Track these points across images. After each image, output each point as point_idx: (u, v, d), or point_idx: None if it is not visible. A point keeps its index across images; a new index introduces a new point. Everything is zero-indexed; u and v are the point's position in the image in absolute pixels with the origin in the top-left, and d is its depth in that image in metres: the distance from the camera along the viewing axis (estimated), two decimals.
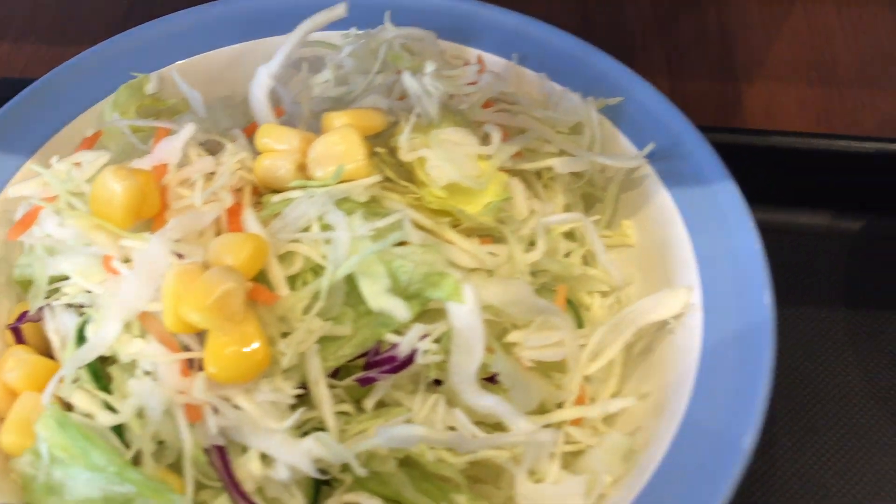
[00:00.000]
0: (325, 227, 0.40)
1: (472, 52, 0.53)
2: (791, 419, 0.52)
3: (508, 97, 0.49)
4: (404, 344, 0.38)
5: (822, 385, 0.53)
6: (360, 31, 0.51)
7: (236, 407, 0.37)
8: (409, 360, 0.38)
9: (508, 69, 0.52)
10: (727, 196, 0.46)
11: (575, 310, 0.47)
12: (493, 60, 0.53)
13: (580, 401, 0.43)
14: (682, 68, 0.69)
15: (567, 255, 0.48)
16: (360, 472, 0.36)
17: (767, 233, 0.57)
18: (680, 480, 0.38)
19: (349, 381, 0.39)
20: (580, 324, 0.46)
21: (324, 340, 0.39)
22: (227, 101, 0.49)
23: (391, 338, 0.39)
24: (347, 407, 0.40)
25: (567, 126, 0.50)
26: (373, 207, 0.41)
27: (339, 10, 0.45)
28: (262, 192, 0.43)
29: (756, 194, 0.57)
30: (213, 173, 0.42)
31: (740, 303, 0.43)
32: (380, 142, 0.44)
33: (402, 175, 0.43)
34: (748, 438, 0.38)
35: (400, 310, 0.38)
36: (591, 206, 0.51)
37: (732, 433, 0.38)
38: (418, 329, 0.38)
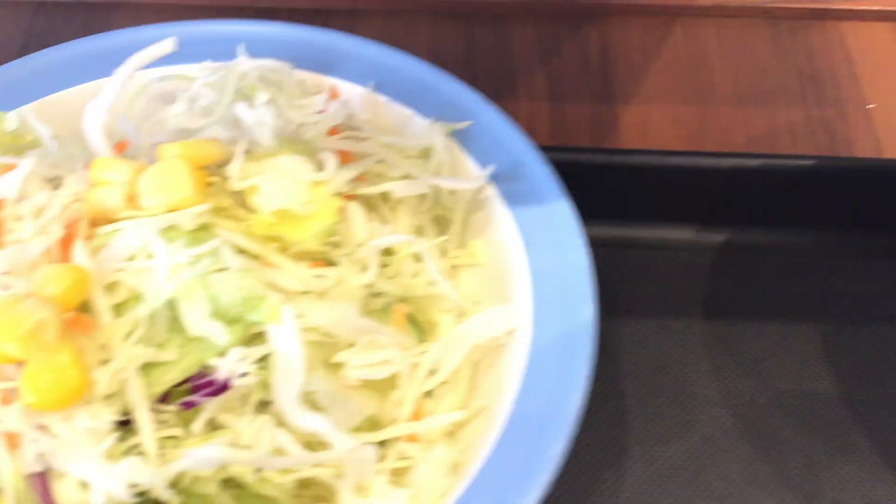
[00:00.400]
0: (150, 256, 0.41)
1: (331, 82, 0.55)
2: (644, 428, 0.53)
3: (355, 124, 0.50)
4: (223, 368, 0.40)
5: (677, 394, 0.54)
6: (216, 64, 0.53)
7: (54, 434, 0.38)
8: (227, 383, 0.39)
9: (365, 97, 0.54)
10: (561, 214, 0.48)
11: (420, 328, 0.48)
12: (351, 89, 0.55)
13: (416, 416, 0.45)
14: (563, 92, 0.71)
15: (416, 275, 0.50)
16: (167, 495, 0.37)
17: (629, 248, 0.60)
18: (490, 491, 0.39)
19: (175, 405, 0.40)
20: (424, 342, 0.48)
21: (149, 366, 0.40)
22: (81, 135, 0.51)
23: (214, 362, 0.40)
24: (177, 431, 0.41)
25: (416, 150, 0.52)
26: (199, 235, 0.42)
27: (167, 46, 0.46)
28: (99, 223, 0.44)
29: (617, 211, 0.60)
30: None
31: (564, 317, 0.44)
32: (219, 171, 0.46)
33: (239, 203, 0.45)
34: (557, 447, 0.39)
35: (218, 334, 0.40)
36: (446, 227, 0.53)
37: (543, 443, 0.40)
38: (236, 353, 0.40)
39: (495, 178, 0.50)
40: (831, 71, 0.73)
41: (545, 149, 0.57)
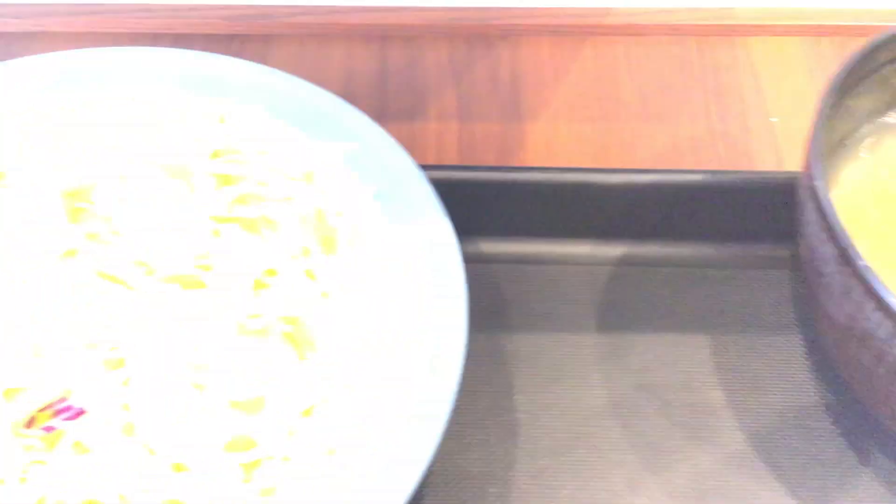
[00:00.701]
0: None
1: (217, 105, 0.56)
2: (534, 442, 0.54)
3: (237, 147, 0.51)
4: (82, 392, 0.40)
5: (568, 407, 0.55)
6: None
7: None
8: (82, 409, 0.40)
9: (250, 120, 0.55)
10: (440, 233, 0.49)
11: (301, 347, 0.49)
12: (237, 111, 0.55)
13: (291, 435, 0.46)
14: (472, 111, 0.72)
15: (299, 295, 0.50)
16: None
17: (530, 264, 0.61)
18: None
19: (38, 429, 0.41)
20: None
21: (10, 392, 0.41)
22: None
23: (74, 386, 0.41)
24: (42, 455, 0.41)
25: (300, 172, 0.53)
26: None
27: None
28: None
29: (519, 227, 0.61)
30: None
31: (436, 337, 0.45)
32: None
33: (109, 227, 0.46)
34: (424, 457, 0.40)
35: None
36: (331, 247, 0.53)
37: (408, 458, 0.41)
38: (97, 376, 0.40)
39: (378, 198, 0.52)
40: (736, 85, 0.74)
41: (448, 167, 0.58)
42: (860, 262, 0.42)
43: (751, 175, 0.63)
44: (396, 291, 0.48)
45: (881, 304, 0.42)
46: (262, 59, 0.69)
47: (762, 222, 0.62)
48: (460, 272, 0.47)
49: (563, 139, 0.71)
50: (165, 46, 0.62)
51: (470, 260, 0.60)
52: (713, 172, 0.62)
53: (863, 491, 0.52)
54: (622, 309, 0.59)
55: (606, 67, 0.76)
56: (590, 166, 0.68)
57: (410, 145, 0.68)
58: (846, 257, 0.43)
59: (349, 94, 0.72)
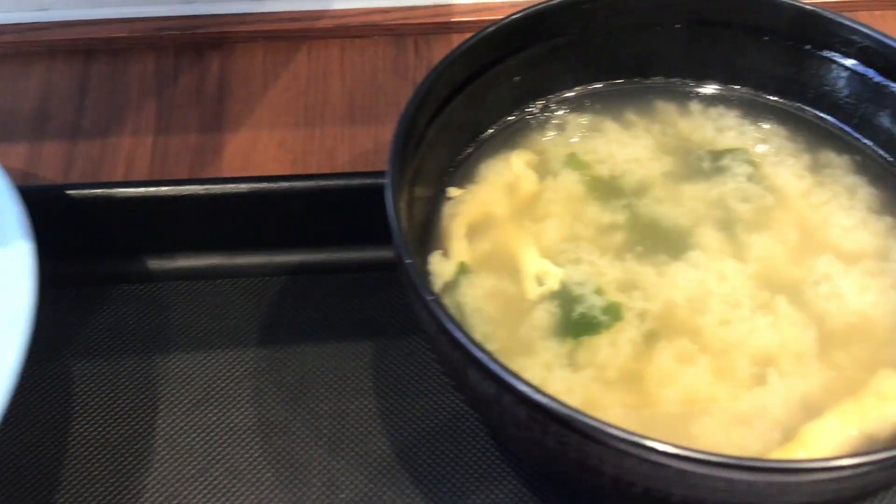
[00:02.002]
0: None
1: None
2: (167, 469, 0.51)
3: None
4: None
5: (214, 428, 0.53)
6: None
7: None
8: None
9: None
10: (19, 254, 0.47)
11: None
12: None
13: None
14: (171, 124, 0.70)
15: None
16: None
17: (197, 279, 0.59)
18: None
19: None
20: None
21: None
22: None
23: None
24: None
25: None
26: None
27: None
28: None
29: (181, 242, 0.59)
30: None
31: None
32: None
33: None
34: None
35: None
36: None
37: None
38: None
39: None
40: None
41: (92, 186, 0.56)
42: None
43: None
44: None
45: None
46: None
47: None
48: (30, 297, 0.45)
49: (262, 147, 0.69)
50: None
51: (133, 280, 0.59)
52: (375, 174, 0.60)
53: (502, 493, 0.51)
54: (288, 320, 0.57)
55: (320, 71, 0.74)
56: (288, 173, 0.67)
57: (100, 162, 0.67)
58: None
59: (43, 112, 0.70)
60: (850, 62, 0.52)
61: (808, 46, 0.53)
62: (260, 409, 0.53)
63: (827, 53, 0.53)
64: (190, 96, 0.72)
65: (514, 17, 0.51)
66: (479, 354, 0.38)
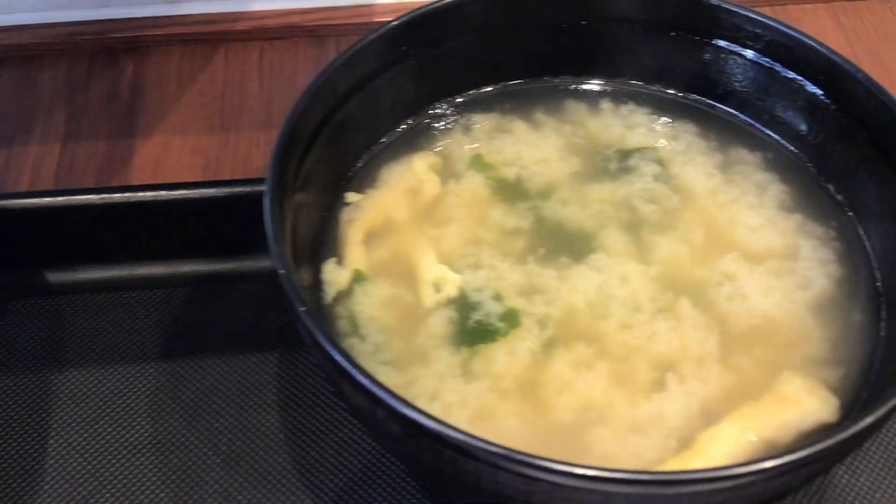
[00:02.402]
0: None
1: None
2: (64, 489, 0.49)
3: None
4: None
5: (104, 447, 0.50)
6: None
7: None
8: None
9: None
10: None
11: None
12: None
13: None
14: (81, 131, 0.67)
15: None
16: None
17: (99, 292, 0.57)
18: None
19: None
20: None
21: None
22: None
23: None
24: None
25: None
26: None
27: None
28: None
29: (93, 253, 0.57)
30: None
31: None
32: None
33: None
34: None
35: None
36: None
37: None
38: None
39: None
40: None
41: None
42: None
43: None
44: None
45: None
46: None
47: None
48: None
49: (175, 154, 0.67)
50: None
51: (31, 294, 0.56)
52: None
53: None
54: (191, 333, 0.55)
55: (237, 74, 0.72)
56: (200, 180, 0.65)
57: (5, 170, 0.65)
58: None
59: None
60: (757, 56, 0.51)
61: (714, 41, 0.52)
62: (156, 426, 0.51)
63: (734, 47, 0.51)
64: (102, 102, 0.69)
65: (413, 14, 0.50)
66: (350, 368, 0.36)
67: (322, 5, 0.74)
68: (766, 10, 0.75)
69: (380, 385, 0.35)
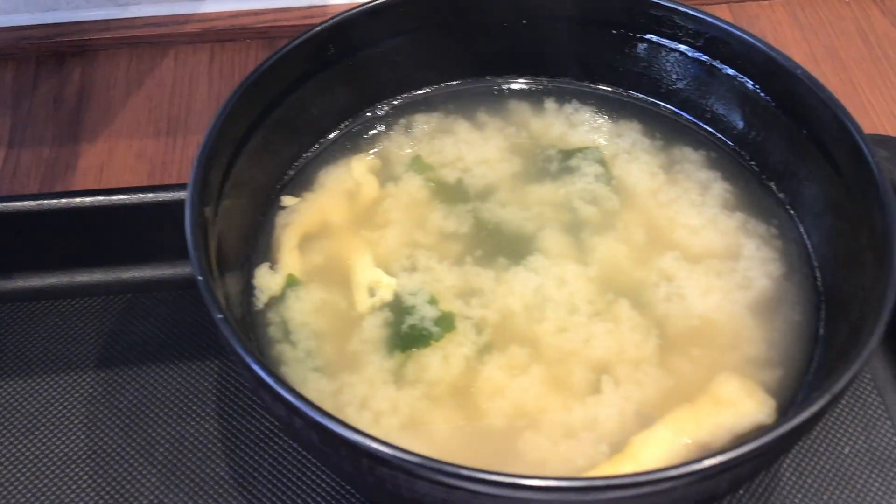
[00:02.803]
0: None
1: None
2: None
3: None
4: None
5: (38, 459, 0.49)
6: None
7: None
8: None
9: None
10: None
11: None
12: None
13: None
14: (27, 135, 0.66)
15: None
16: None
17: (37, 301, 0.56)
18: None
19: None
20: None
21: None
22: None
23: None
24: None
25: None
26: None
27: None
28: None
29: (31, 261, 0.56)
30: None
31: None
32: None
33: None
34: None
35: None
36: None
37: None
38: None
39: None
40: None
41: None
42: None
43: None
44: None
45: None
46: None
47: None
48: None
49: (120, 159, 0.65)
50: None
51: None
52: None
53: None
54: (130, 341, 0.54)
55: (187, 77, 0.71)
56: (145, 185, 0.64)
57: None
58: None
59: None
60: (697, 54, 0.50)
61: (654, 38, 0.51)
62: (92, 437, 0.50)
63: (674, 45, 0.51)
64: (48, 107, 0.68)
65: (338, 18, 0.49)
66: (266, 376, 0.35)
67: (274, 6, 0.73)
68: (724, 8, 0.76)
69: (296, 394, 0.34)
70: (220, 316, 0.36)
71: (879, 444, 0.50)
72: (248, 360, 0.35)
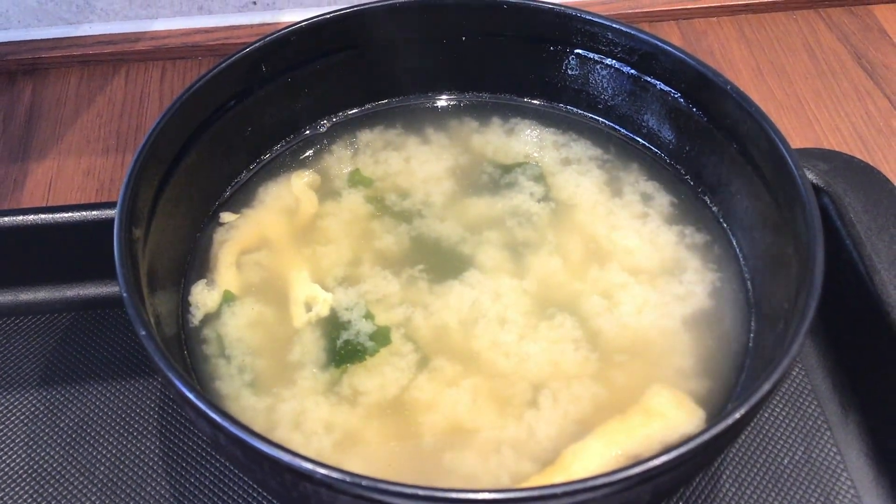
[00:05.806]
0: None
1: None
2: None
3: None
4: None
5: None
6: None
7: None
8: None
9: None
10: None
11: None
12: None
13: None
14: None
15: None
16: None
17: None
18: None
19: None
20: None
21: None
22: None
23: None
24: None
25: None
26: None
27: None
28: None
29: None
30: None
31: None
32: None
33: None
34: None
35: None
36: None
37: None
38: None
39: None
40: None
41: None
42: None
43: None
44: None
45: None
46: None
47: None
48: None
49: (69, 176, 0.65)
50: None
51: None
52: None
53: None
54: (73, 360, 0.54)
55: (137, 94, 0.71)
56: (92, 202, 0.64)
57: None
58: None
59: None
60: (631, 70, 0.51)
61: (590, 55, 0.52)
62: (33, 456, 0.50)
63: (609, 61, 0.51)
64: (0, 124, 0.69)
65: (271, 37, 0.49)
66: (189, 393, 0.35)
67: (225, 24, 0.74)
68: (672, 25, 0.77)
69: (217, 410, 0.34)
70: (143, 333, 0.36)
71: (819, 454, 0.51)
72: (171, 376, 0.35)
